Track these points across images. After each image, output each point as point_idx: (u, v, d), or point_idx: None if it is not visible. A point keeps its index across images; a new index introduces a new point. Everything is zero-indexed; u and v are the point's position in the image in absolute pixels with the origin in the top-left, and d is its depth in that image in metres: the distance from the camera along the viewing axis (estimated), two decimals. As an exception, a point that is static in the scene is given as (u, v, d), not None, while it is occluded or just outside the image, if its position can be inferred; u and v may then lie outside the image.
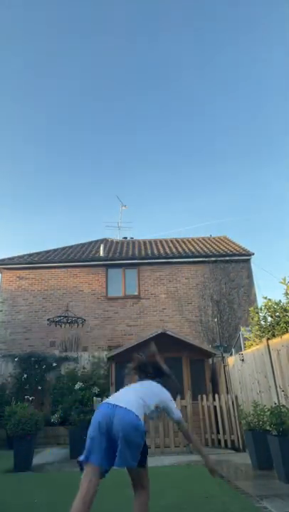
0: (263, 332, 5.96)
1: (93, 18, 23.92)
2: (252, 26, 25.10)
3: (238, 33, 26.10)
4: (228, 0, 24.05)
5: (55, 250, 14.40)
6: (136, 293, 12.59)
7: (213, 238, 16.09)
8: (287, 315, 5.38)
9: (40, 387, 8.90)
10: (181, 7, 23.05)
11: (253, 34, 25.46)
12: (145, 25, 25.30)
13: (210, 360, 8.77)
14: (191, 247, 14.27)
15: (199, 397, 7.68)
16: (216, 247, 14.20)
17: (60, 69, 26.88)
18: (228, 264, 12.76)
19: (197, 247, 14.23)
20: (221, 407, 7.35)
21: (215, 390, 8.34)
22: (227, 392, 7.59)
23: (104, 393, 8.33)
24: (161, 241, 15.92)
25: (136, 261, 12.94)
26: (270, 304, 5.78)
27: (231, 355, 8.03)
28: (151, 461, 5.57)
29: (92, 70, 28.52)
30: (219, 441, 7.33)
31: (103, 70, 28.27)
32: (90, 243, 15.74)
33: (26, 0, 22.99)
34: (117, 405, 2.13)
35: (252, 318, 6.39)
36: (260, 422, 4.86)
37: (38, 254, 13.81)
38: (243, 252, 13.18)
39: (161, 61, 27.25)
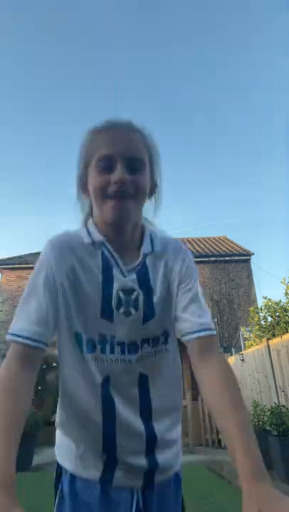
0: (263, 332, 5.96)
1: (93, 28, 23.92)
2: (253, 30, 25.10)
3: (239, 36, 26.10)
4: (230, 4, 24.06)
5: (55, 250, 14.39)
6: (136, 293, 12.57)
7: (213, 238, 16.09)
8: (287, 315, 5.38)
9: (40, 387, 8.89)
10: (182, 9, 23.07)
11: (254, 37, 25.46)
12: (146, 28, 25.31)
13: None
14: (191, 247, 14.27)
15: (199, 397, 7.67)
16: (215, 247, 14.19)
17: (62, 71, 26.90)
18: (228, 264, 12.75)
19: (197, 247, 14.22)
20: (221, 407, 7.33)
21: (215, 390, 8.33)
22: (227, 392, 7.58)
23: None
24: (161, 241, 15.91)
25: (136, 261, 12.93)
26: (270, 303, 5.78)
27: (231, 355, 8.02)
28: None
29: (94, 71, 28.55)
30: (219, 441, 7.32)
31: (104, 71, 28.28)
32: (89, 243, 15.73)
33: (27, 3, 23.00)
34: None
35: (252, 318, 6.39)
36: (261, 422, 4.85)
37: (38, 254, 13.79)
38: (243, 252, 13.18)
39: (162, 59, 27.26)
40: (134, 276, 0.81)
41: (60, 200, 36.89)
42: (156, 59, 26.08)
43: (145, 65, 26.99)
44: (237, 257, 12.90)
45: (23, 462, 5.29)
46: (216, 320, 11.76)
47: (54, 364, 9.15)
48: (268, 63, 26.63)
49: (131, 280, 0.80)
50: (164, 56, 26.02)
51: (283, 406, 4.46)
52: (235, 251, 13.33)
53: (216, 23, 23.72)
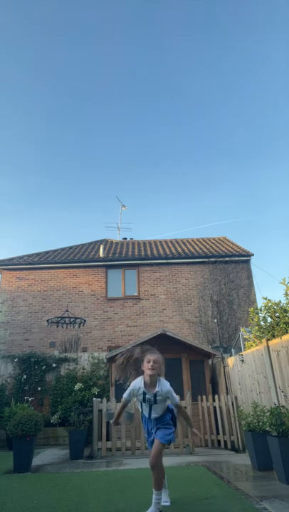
0: (263, 333, 5.96)
1: (94, 23, 23.93)
2: (255, 29, 25.12)
3: (240, 35, 26.13)
4: (231, 3, 24.08)
5: (54, 251, 14.41)
6: (136, 293, 12.60)
7: (213, 239, 16.11)
8: (287, 315, 5.38)
9: (39, 388, 8.89)
10: (183, 10, 23.08)
11: (255, 36, 25.49)
12: (147, 28, 25.33)
13: (210, 361, 8.76)
14: (191, 248, 14.28)
15: (199, 397, 7.68)
16: (215, 247, 14.21)
17: (62, 72, 26.92)
18: (228, 264, 12.77)
19: (197, 248, 14.24)
20: (220, 408, 7.35)
21: (215, 390, 8.34)
22: (227, 393, 7.58)
23: (104, 394, 8.33)
24: (160, 242, 15.93)
25: (135, 261, 12.95)
26: (269, 304, 5.77)
27: (231, 355, 8.03)
28: (151, 462, 5.58)
29: (94, 73, 28.58)
30: (219, 441, 7.33)
31: (104, 72, 28.30)
32: (89, 244, 15.75)
33: (27, 3, 23.01)
34: None
35: (252, 319, 6.39)
36: (260, 423, 4.85)
37: (37, 254, 13.82)
38: (243, 253, 13.20)
39: (161, 62, 27.31)
40: (151, 395, 3.04)
41: (59, 202, 36.88)
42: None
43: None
44: (237, 258, 12.92)
45: (23, 463, 5.29)
46: (215, 320, 11.77)
47: (54, 365, 9.16)
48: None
49: (151, 395, 3.04)
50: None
51: (283, 407, 4.46)
52: (235, 251, 13.35)
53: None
